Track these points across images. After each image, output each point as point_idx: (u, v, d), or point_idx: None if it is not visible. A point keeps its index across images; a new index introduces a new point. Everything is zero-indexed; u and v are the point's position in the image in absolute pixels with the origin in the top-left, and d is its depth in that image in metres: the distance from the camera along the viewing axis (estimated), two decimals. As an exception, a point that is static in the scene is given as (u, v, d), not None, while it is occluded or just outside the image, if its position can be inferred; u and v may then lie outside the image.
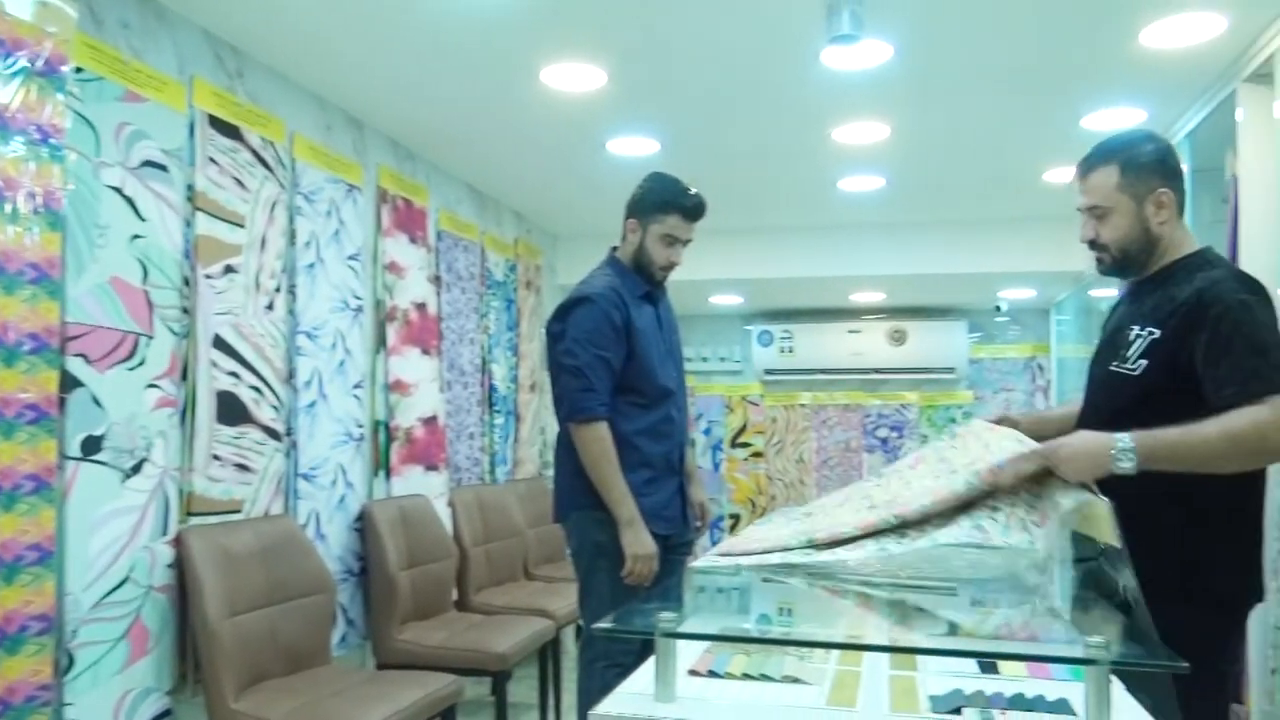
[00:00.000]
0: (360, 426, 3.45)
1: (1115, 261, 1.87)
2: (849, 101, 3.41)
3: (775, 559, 1.78)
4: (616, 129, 3.72)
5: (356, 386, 3.44)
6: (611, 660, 2.41)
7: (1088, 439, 1.67)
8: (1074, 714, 1.30)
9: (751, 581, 2.24)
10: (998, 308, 6.27)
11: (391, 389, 3.66)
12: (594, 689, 2.35)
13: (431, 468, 3.88)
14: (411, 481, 3.73)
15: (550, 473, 5.17)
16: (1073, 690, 1.39)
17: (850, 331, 6.71)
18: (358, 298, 3.48)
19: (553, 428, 5.24)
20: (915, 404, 6.64)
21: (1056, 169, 4.16)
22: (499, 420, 4.64)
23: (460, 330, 4.30)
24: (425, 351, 3.92)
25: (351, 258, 3.46)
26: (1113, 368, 1.82)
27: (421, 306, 3.91)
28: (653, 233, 2.60)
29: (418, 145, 3.96)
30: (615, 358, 2.52)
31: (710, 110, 3.51)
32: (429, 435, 3.88)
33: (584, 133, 3.75)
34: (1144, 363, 1.76)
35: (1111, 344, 1.87)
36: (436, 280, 4.11)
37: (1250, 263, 2.71)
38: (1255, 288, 1.72)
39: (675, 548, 2.65)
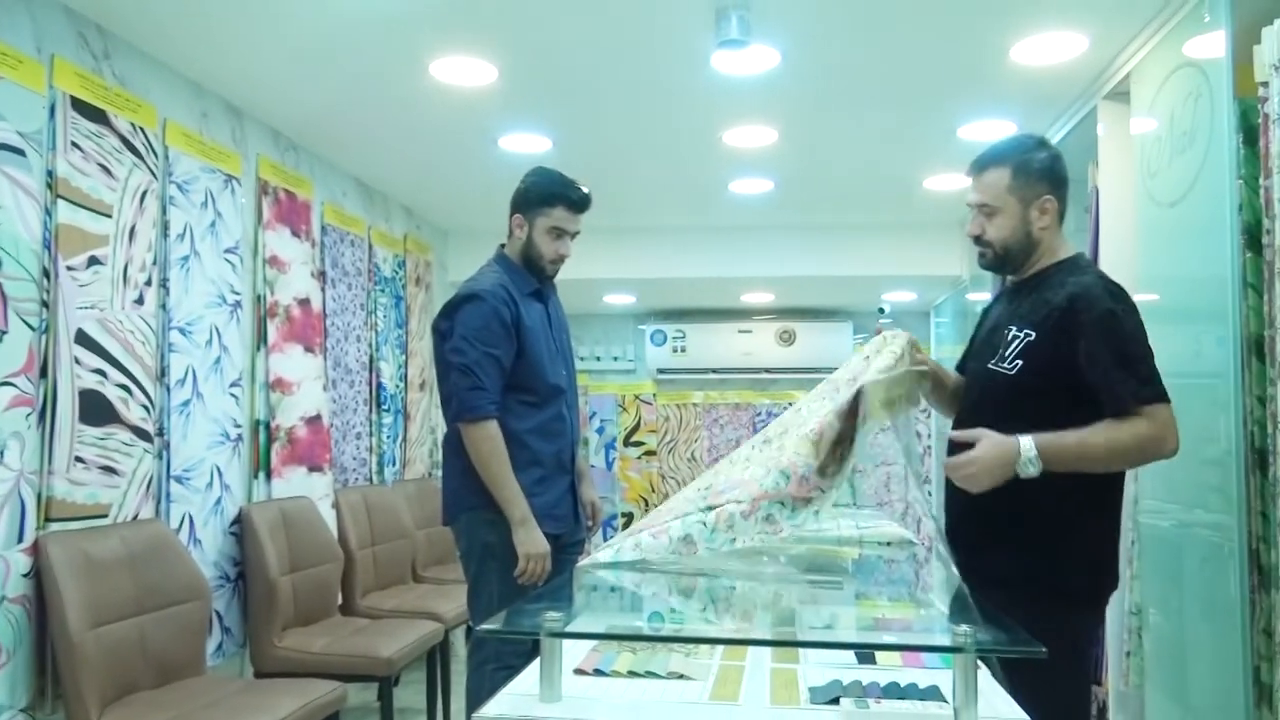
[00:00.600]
0: (238, 426, 3.32)
1: (996, 258, 1.96)
2: (739, 105, 3.47)
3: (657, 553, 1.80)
4: (508, 125, 3.69)
5: (234, 385, 3.31)
6: (501, 662, 2.39)
7: (997, 453, 1.75)
8: (944, 699, 1.35)
9: (640, 580, 2.26)
10: (881, 310, 6.49)
11: (272, 387, 3.54)
12: (483, 691, 2.32)
13: (315, 468, 3.77)
14: (294, 483, 3.61)
15: (440, 473, 5.12)
16: (945, 677, 1.45)
17: (741, 331, 6.83)
18: (236, 293, 3.35)
19: (443, 427, 5.16)
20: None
21: (935, 176, 4.33)
22: (387, 419, 4.55)
23: (346, 327, 4.19)
24: (308, 349, 3.80)
25: (229, 251, 3.33)
26: (990, 365, 1.90)
27: (305, 302, 3.80)
28: (539, 226, 2.59)
29: (301, 136, 3.83)
30: (505, 355, 2.50)
31: (602, 109, 3.52)
32: (312, 435, 3.77)
33: (475, 128, 3.71)
34: (1020, 363, 1.84)
35: (989, 343, 1.96)
36: (321, 275, 4.00)
37: (1110, 268, 2.88)
38: (1121, 296, 1.82)
39: (566, 547, 2.64)
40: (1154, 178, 2.60)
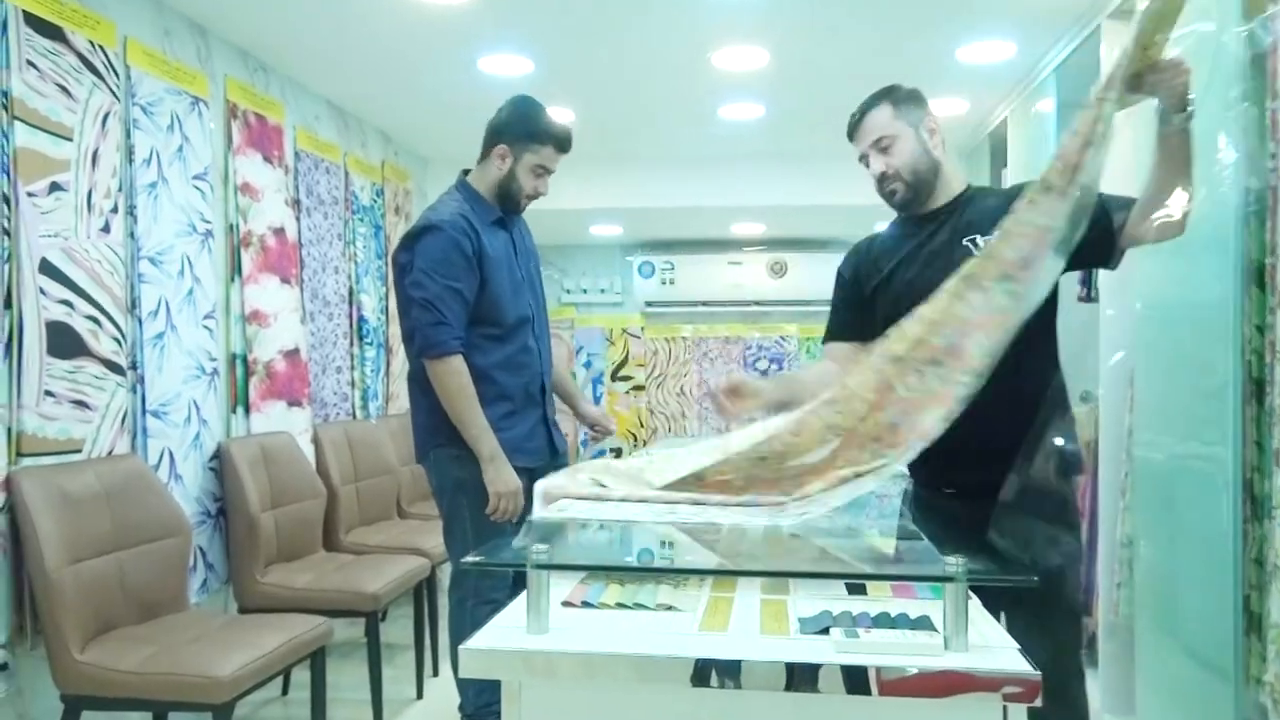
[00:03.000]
0: (214, 360, 3.30)
1: (909, 188, 1.99)
2: (728, 24, 3.39)
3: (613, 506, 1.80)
4: (488, 46, 3.60)
5: (208, 317, 3.28)
6: (482, 597, 2.42)
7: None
8: (935, 629, 1.37)
9: (626, 517, 2.27)
10: (874, 240, 6.47)
11: (248, 320, 3.51)
12: (465, 626, 2.36)
13: (294, 403, 3.76)
14: (273, 418, 3.61)
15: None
16: (936, 609, 1.47)
17: (731, 263, 6.80)
18: (207, 221, 3.30)
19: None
20: (795, 336, 6.82)
21: (932, 101, 4.25)
22: (369, 353, 4.53)
23: (323, 258, 4.15)
24: (285, 280, 3.76)
25: (198, 177, 3.26)
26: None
27: (280, 232, 3.75)
28: (525, 162, 2.57)
29: (271, 57, 3.73)
30: (467, 288, 2.49)
31: (586, 29, 3.43)
32: (291, 369, 3.75)
33: (454, 49, 3.62)
34: None
35: (937, 265, 1.91)
36: (295, 204, 3.94)
37: (1115, 188, 2.87)
38: None
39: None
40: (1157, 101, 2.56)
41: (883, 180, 2.01)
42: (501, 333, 2.55)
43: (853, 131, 2.05)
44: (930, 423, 1.61)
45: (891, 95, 2.03)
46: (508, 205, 2.60)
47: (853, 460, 1.66)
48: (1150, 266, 2.54)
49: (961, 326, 1.64)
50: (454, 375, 2.45)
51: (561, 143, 2.58)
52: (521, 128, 2.57)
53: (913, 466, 2.10)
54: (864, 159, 2.04)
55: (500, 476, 2.47)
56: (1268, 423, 1.99)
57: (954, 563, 1.25)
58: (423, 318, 2.46)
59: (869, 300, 2.08)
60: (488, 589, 2.41)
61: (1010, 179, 4.09)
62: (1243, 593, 2.02)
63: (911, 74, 3.93)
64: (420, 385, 2.54)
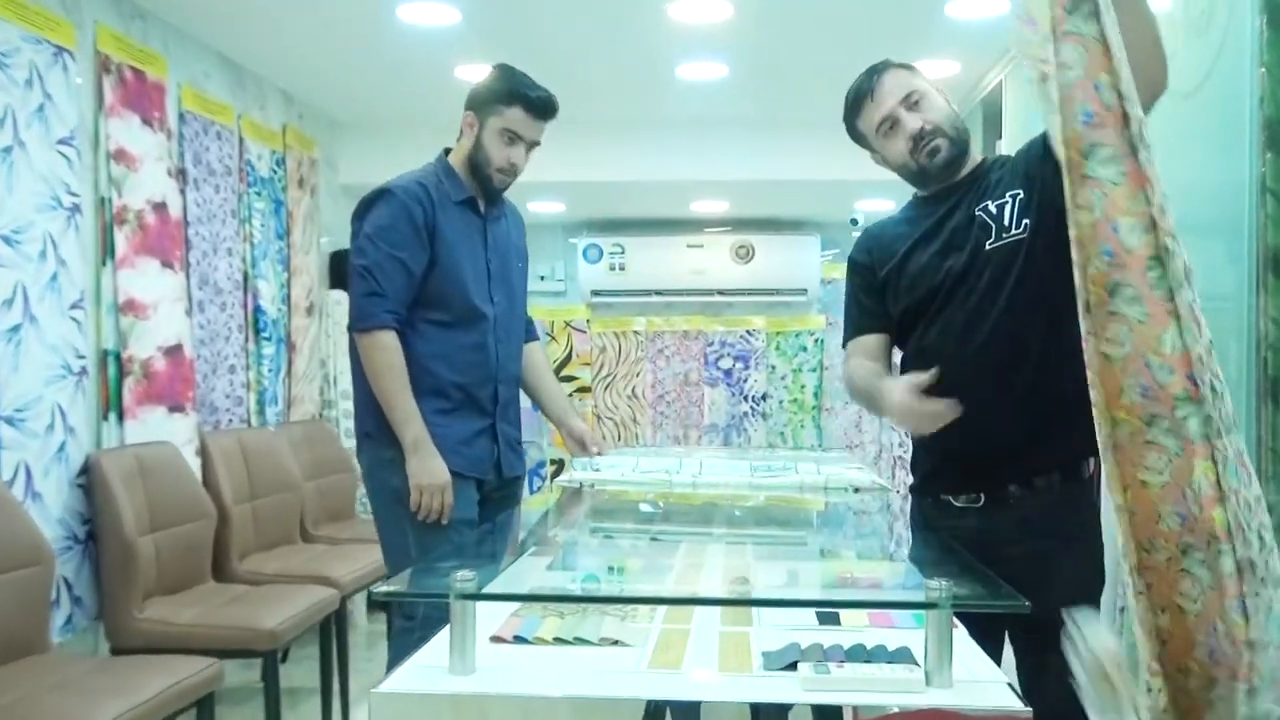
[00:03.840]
0: (82, 358, 3.24)
1: (953, 143, 2.04)
2: (688, -29, 3.41)
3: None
4: (409, -9, 3.58)
5: (75, 307, 3.22)
6: (429, 631, 2.41)
7: None
8: (915, 662, 1.40)
9: (575, 535, 2.29)
10: (854, 220, 6.51)
11: (122, 310, 3.46)
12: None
13: (177, 408, 3.71)
14: (152, 426, 3.56)
15: (333, 413, 5.10)
16: (917, 639, 1.50)
17: (691, 246, 6.83)
18: (74, 194, 3.24)
19: (336, 361, 5.11)
20: (763, 330, 6.86)
21: (920, 63, 4.30)
22: (267, 350, 4.48)
23: (214, 238, 4.10)
24: (167, 264, 3.71)
25: (63, 142, 3.20)
26: (990, 246, 1.97)
27: (161, 207, 3.69)
28: (490, 127, 2.59)
29: (151, 1, 3.67)
30: (413, 260, 2.51)
31: (524, -27, 3.42)
32: (173, 368, 3.70)
33: (368, -6, 3.59)
34: (1027, 220, 1.93)
35: (956, 244, 2.01)
36: (180, 174, 3.89)
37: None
38: None
39: (496, 499, 2.67)
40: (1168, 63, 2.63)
41: (920, 139, 2.04)
42: (449, 320, 2.57)
43: (865, 98, 2.09)
44: None
45: (895, 64, 2.10)
46: (480, 181, 2.63)
47: None
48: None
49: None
50: (381, 351, 2.47)
51: (533, 104, 2.59)
52: (487, 91, 2.61)
53: (916, 474, 2.15)
54: (886, 125, 2.07)
55: (424, 467, 2.48)
56: (1285, 427, 2.05)
57: (936, 587, 1.28)
58: (358, 287, 2.51)
59: (881, 288, 2.14)
60: (436, 620, 2.41)
61: (1006, 151, 4.17)
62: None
63: (895, 30, 4.01)
64: (356, 367, 2.57)
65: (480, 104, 2.61)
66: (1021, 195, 1.96)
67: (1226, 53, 2.29)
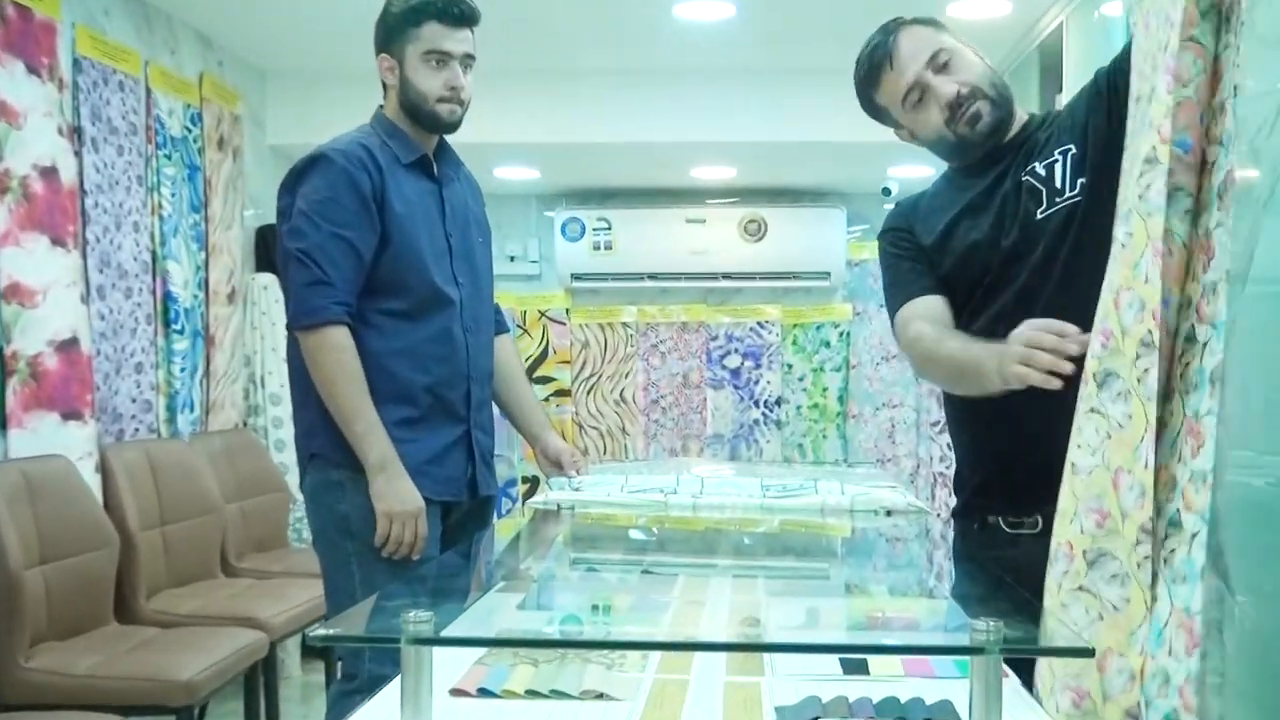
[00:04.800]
0: (-43, 354, 3.24)
1: (995, 106, 2.07)
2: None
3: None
4: (352, -86, 3.58)
5: (-51, 294, 3.21)
6: (376, 687, 2.41)
7: None
8: (958, 717, 1.40)
9: (552, 567, 2.29)
10: (886, 191, 6.54)
11: (5, 297, 3.47)
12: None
13: (73, 415, 3.71)
14: (42, 436, 3.56)
15: (260, 421, 5.09)
16: (960, 690, 1.50)
17: (690, 221, 6.83)
18: (-53, 157, 3.23)
19: (264, 358, 5.10)
20: (777, 322, 6.88)
21: (963, 1, 4.34)
22: (180, 345, 4.47)
23: (116, 210, 4.10)
24: (58, 241, 3.70)
25: (-65, 95, 3.20)
26: (1041, 216, 2.00)
27: (50, 173, 3.69)
28: (411, 58, 2.58)
29: (40, -77, 3.66)
30: (361, 239, 2.51)
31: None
32: (68, 367, 3.69)
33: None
34: (1082, 179, 1.96)
35: (1010, 214, 2.04)
36: (75, 133, 3.88)
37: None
38: None
39: (460, 522, 2.67)
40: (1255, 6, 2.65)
41: (958, 105, 2.05)
42: (407, 308, 2.56)
43: (882, 66, 2.10)
44: None
45: (929, 20, 2.13)
46: (426, 123, 2.62)
47: None
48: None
49: None
50: (332, 352, 2.46)
51: (443, 10, 2.56)
52: (390, 19, 2.61)
53: (961, 493, 2.15)
54: (915, 95, 2.08)
55: (393, 491, 2.46)
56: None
57: (984, 629, 1.28)
58: (298, 276, 2.48)
59: (927, 260, 2.16)
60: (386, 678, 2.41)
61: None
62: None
63: (934, -37, 4.01)
64: (298, 374, 2.56)
65: (389, 40, 2.61)
66: (1074, 151, 1.98)
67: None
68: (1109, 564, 1.51)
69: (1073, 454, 1.58)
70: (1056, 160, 1.99)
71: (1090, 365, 1.56)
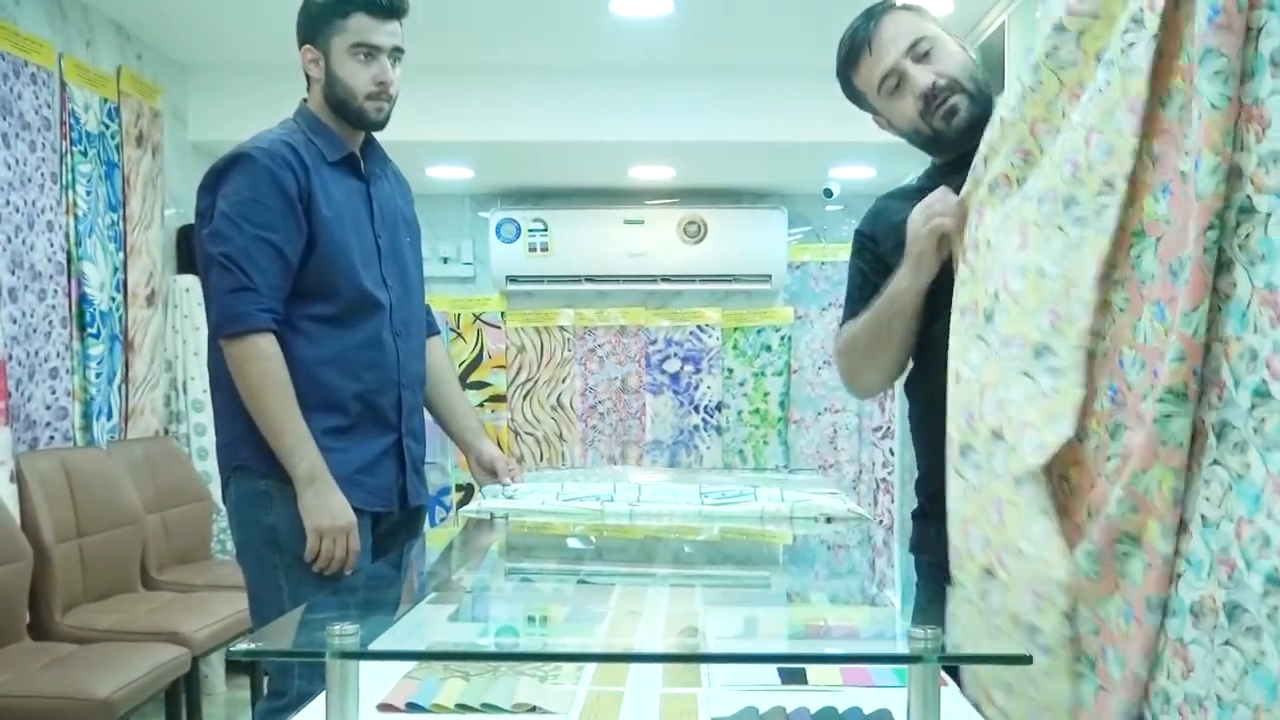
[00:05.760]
0: None
1: (973, 100, 2.06)
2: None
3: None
4: (277, -97, 3.55)
5: None
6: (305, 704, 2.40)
7: None
8: (896, 728, 1.42)
9: (485, 578, 2.29)
10: (828, 191, 6.59)
11: (-88, 300, 3.38)
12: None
13: (-16, 423, 3.64)
14: (-49, 445, 3.49)
15: (182, 428, 5.03)
16: (899, 699, 1.52)
17: (629, 222, 6.84)
18: None
19: (186, 363, 5.04)
20: (717, 326, 6.92)
21: None
22: (96, 349, 4.42)
23: (28, 209, 4.04)
24: (-31, 241, 3.64)
25: None
26: None
27: (-39, 170, 3.62)
28: (337, 51, 2.55)
29: (-52, -92, 3.60)
30: (286, 241, 2.48)
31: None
32: (-21, 373, 3.63)
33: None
34: None
35: None
36: (-15, 129, 3.81)
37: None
38: None
39: (391, 532, 2.66)
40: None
41: (933, 97, 2.05)
42: (336, 313, 2.54)
43: (861, 50, 2.10)
44: None
45: (899, 4, 2.13)
46: (352, 119, 2.60)
47: None
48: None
49: None
50: (258, 361, 2.43)
51: (371, 1, 2.53)
52: (314, 9, 2.57)
53: (921, 493, 2.17)
54: (891, 82, 2.08)
55: (323, 505, 2.44)
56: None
57: (921, 636, 1.29)
58: (221, 282, 2.45)
59: (887, 269, 2.14)
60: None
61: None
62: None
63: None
64: (220, 380, 2.53)
65: (314, 31, 2.57)
66: None
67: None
68: (1049, 358, 1.56)
69: (1026, 260, 1.61)
70: None
71: (1059, 187, 1.58)
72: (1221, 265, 1.34)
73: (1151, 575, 1.39)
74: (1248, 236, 1.32)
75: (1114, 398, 1.50)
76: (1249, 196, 1.32)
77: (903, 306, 2.01)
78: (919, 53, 2.05)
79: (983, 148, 1.84)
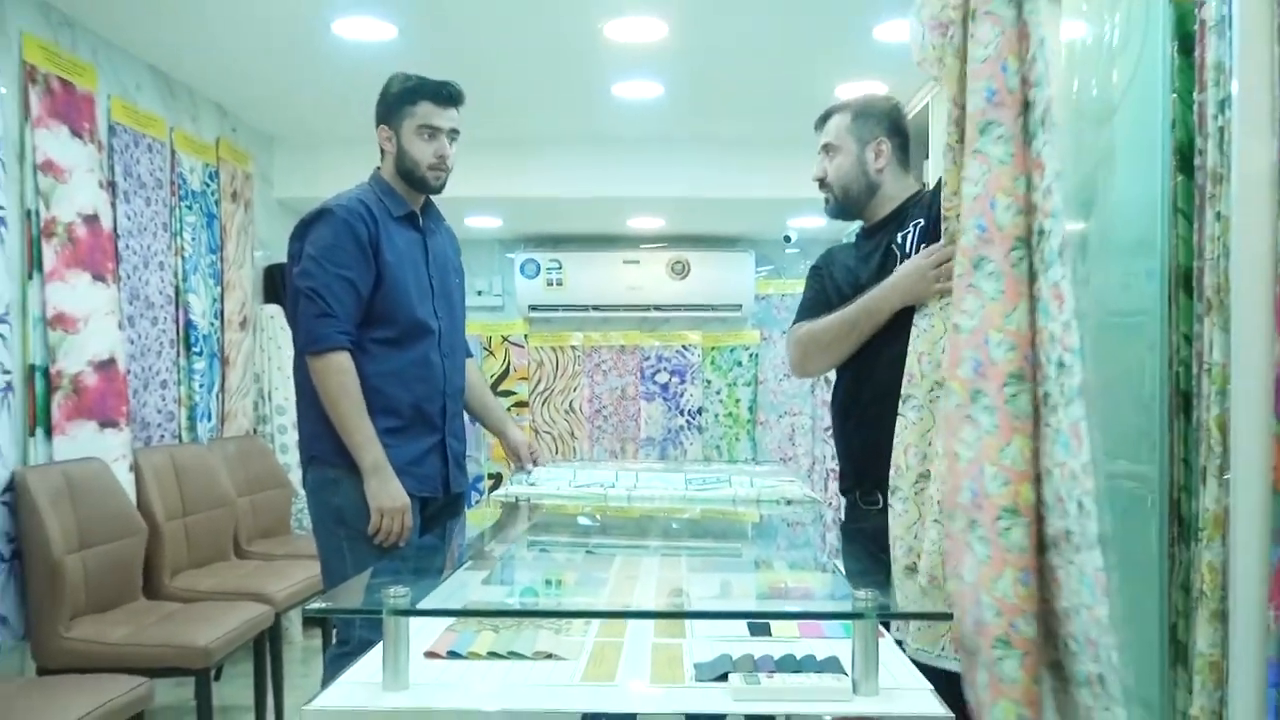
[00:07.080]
0: (7, 373, 3.15)
1: (838, 202, 2.31)
2: (624, -8, 3.43)
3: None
4: (344, 6, 3.55)
5: (1, 321, 3.13)
6: (365, 651, 2.39)
7: None
8: (844, 671, 1.42)
9: (512, 549, 2.28)
10: (787, 238, 6.60)
11: (51, 324, 3.38)
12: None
13: (109, 424, 3.62)
14: (82, 442, 3.47)
15: (267, 428, 5.01)
16: (846, 648, 1.52)
17: (627, 262, 6.84)
18: (0, 206, 3.15)
19: (271, 376, 5.03)
20: (698, 345, 6.90)
21: (849, 84, 4.39)
22: (199, 365, 4.40)
23: (145, 251, 4.02)
24: (98, 277, 3.63)
25: (-11, 154, 3.12)
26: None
27: (92, 219, 3.61)
28: (407, 130, 2.60)
29: (78, 9, 3.59)
30: (360, 279, 2.51)
31: (461, -9, 3.42)
32: (105, 383, 3.61)
33: (304, 8, 3.55)
34: (924, 246, 2.05)
35: (877, 270, 2.17)
36: (111, 186, 3.81)
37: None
38: None
39: (436, 514, 2.66)
40: (1084, 90, 2.71)
41: (819, 184, 2.32)
42: (396, 337, 2.56)
43: (817, 125, 2.35)
44: None
45: (857, 106, 2.30)
46: (416, 185, 2.63)
47: None
48: (1080, 271, 2.67)
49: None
50: (336, 374, 2.45)
51: (435, 92, 2.59)
52: (390, 97, 2.62)
53: (845, 476, 2.23)
54: (817, 151, 2.31)
55: (385, 490, 2.46)
56: (1194, 438, 2.11)
57: (863, 598, 1.30)
58: (307, 309, 2.48)
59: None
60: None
61: (932, 172, 4.25)
62: (1169, 621, 2.13)
63: (824, 52, 4.07)
64: (304, 389, 2.54)
65: (389, 114, 2.62)
66: (922, 222, 2.09)
67: (1140, 78, 2.36)
68: (983, 398, 1.51)
69: (956, 318, 1.57)
70: (909, 231, 2.12)
71: (960, 259, 1.56)
72: (1033, 275, 1.46)
73: (1033, 530, 1.42)
74: (1042, 251, 1.45)
75: (977, 368, 1.50)
76: (1040, 222, 1.43)
77: (877, 316, 2.09)
78: (826, 150, 2.30)
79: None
